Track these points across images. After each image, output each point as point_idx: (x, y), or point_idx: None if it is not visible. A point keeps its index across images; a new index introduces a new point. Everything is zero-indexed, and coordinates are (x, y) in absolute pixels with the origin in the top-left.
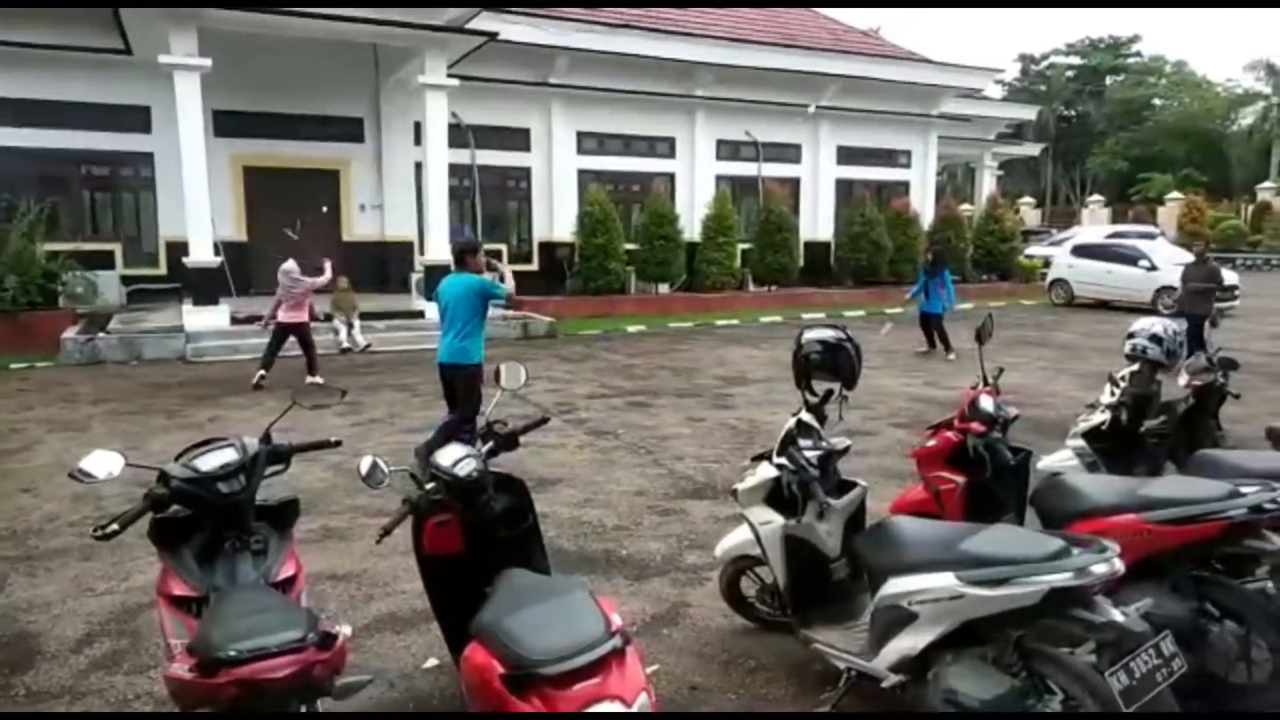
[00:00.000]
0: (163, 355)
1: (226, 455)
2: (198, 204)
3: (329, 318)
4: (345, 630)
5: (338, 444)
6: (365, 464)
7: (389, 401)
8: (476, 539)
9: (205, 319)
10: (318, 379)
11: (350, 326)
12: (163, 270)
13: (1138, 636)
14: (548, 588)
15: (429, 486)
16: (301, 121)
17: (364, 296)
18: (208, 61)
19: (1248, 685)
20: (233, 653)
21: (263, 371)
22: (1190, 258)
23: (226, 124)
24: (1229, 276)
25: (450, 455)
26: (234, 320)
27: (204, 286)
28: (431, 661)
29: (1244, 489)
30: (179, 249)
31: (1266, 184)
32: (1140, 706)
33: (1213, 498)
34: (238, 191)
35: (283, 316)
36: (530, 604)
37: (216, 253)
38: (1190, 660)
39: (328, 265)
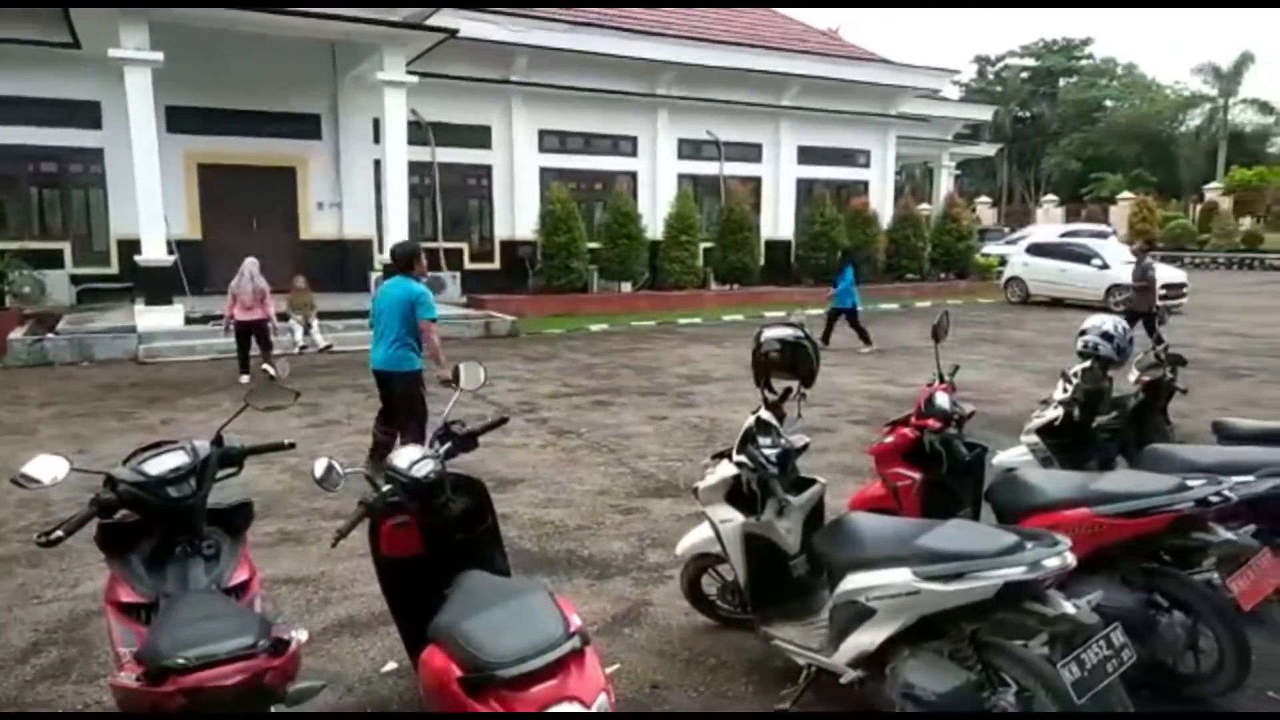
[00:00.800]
0: (114, 356)
1: (176, 458)
2: (150, 201)
3: (285, 318)
4: (301, 635)
5: (291, 446)
6: (320, 466)
7: (347, 402)
8: (435, 541)
9: (158, 319)
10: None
11: (308, 327)
12: (114, 269)
13: (1089, 628)
14: (506, 589)
15: (386, 488)
16: (257, 118)
17: (322, 296)
18: (159, 56)
19: (1195, 674)
20: (181, 661)
21: (245, 377)
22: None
23: (180, 120)
24: (1178, 275)
25: (407, 457)
26: (188, 320)
27: (157, 286)
28: (390, 665)
29: (1190, 482)
30: (131, 247)
31: (1213, 184)
32: (1091, 697)
33: (1160, 491)
34: (192, 189)
35: (240, 315)
36: (488, 606)
37: (170, 251)
38: (1140, 650)
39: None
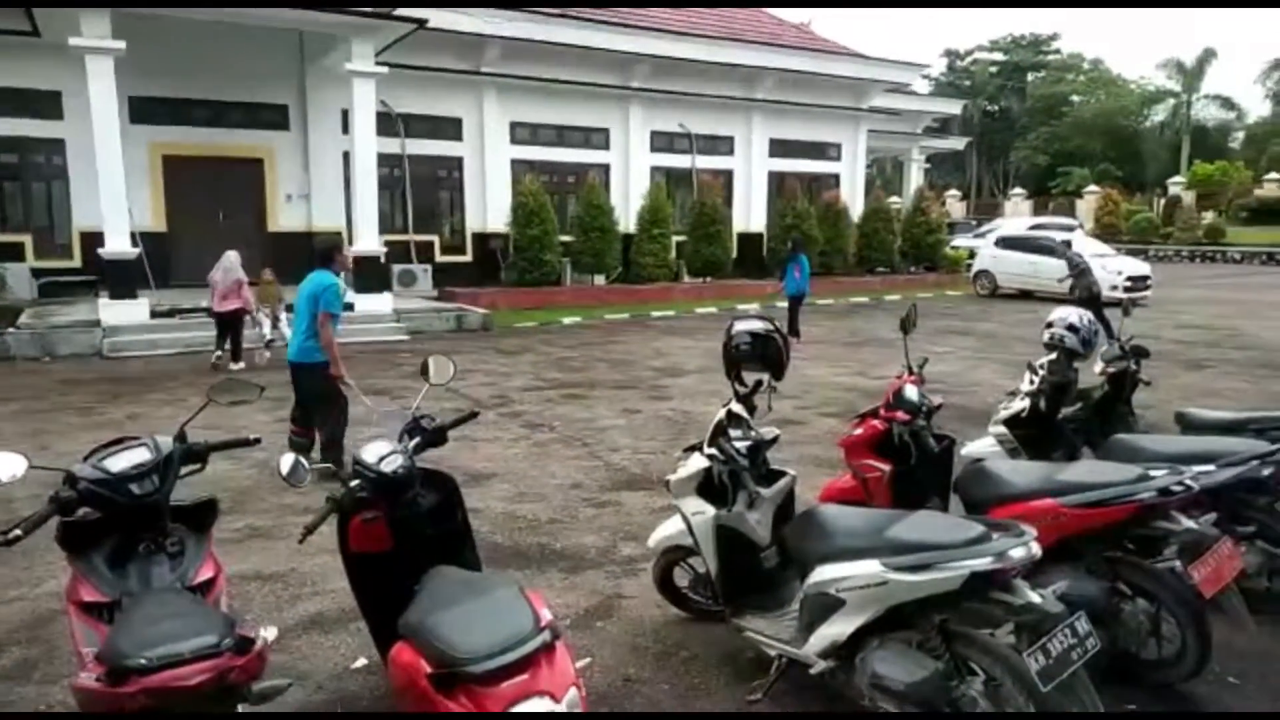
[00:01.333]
0: (78, 351)
1: (138, 455)
2: (113, 193)
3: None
4: (269, 633)
5: (256, 441)
6: (287, 462)
7: None
8: (404, 536)
9: (123, 313)
10: (238, 366)
11: (276, 320)
12: (77, 262)
13: (1054, 617)
14: (476, 584)
15: (354, 484)
16: (223, 108)
17: (291, 289)
18: (121, 45)
19: (1158, 660)
20: (143, 661)
21: (240, 364)
22: (1107, 249)
23: (143, 110)
24: (1142, 268)
25: (375, 451)
26: (154, 314)
27: (121, 279)
28: (360, 661)
29: (1153, 473)
30: (94, 240)
31: (1177, 179)
32: (1056, 684)
33: (1124, 481)
34: (156, 180)
35: (216, 306)
36: (458, 601)
37: (134, 244)
38: (1104, 637)
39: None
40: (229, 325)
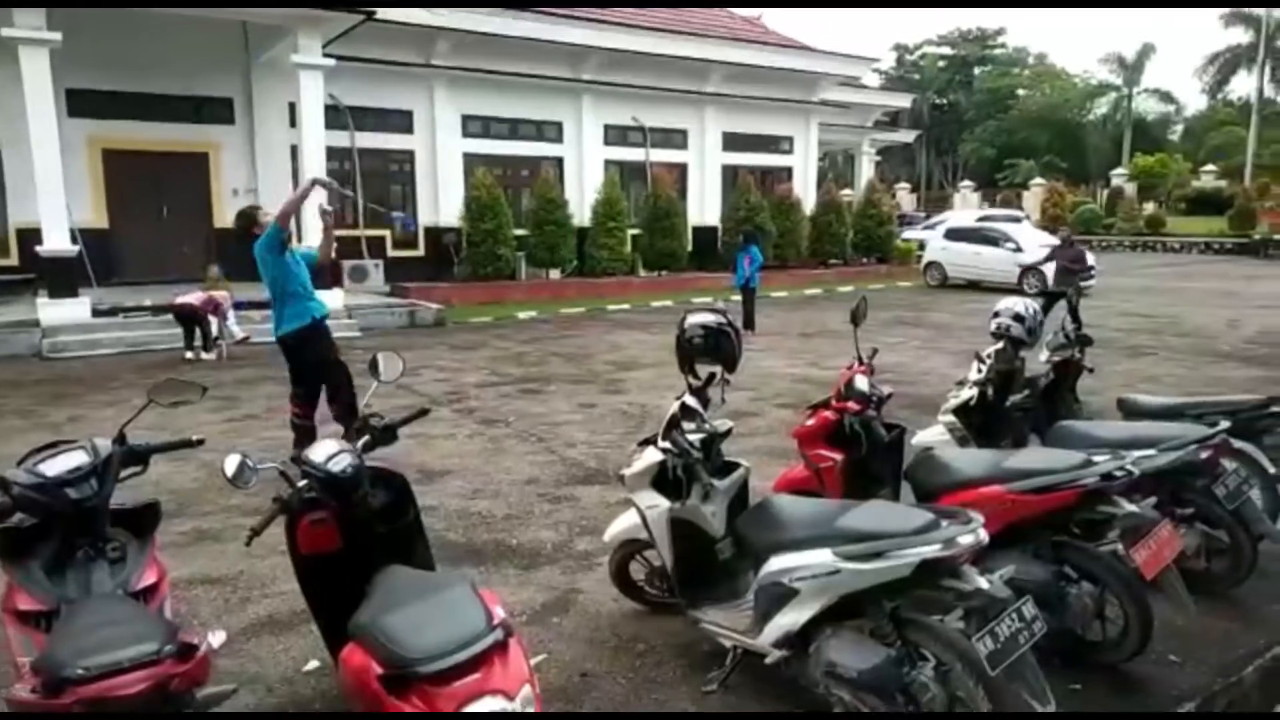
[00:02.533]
0: (16, 352)
1: (76, 458)
2: (51, 189)
3: None
4: (217, 638)
5: (200, 442)
6: (232, 463)
7: (267, 395)
8: (354, 536)
9: (63, 312)
10: (211, 355)
11: (224, 317)
12: (14, 260)
13: (1002, 602)
14: (427, 583)
15: (301, 484)
16: (165, 101)
17: (238, 286)
18: (57, 36)
19: (1102, 641)
20: (80, 671)
21: (210, 355)
22: (1055, 240)
23: (82, 103)
24: (1087, 258)
25: (323, 450)
26: (95, 313)
27: (61, 277)
28: (312, 664)
29: (1096, 458)
30: (32, 237)
31: (1119, 171)
32: (1004, 668)
33: (1068, 467)
34: (97, 175)
35: (180, 299)
36: (409, 601)
37: (74, 240)
38: (1050, 620)
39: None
40: (192, 320)
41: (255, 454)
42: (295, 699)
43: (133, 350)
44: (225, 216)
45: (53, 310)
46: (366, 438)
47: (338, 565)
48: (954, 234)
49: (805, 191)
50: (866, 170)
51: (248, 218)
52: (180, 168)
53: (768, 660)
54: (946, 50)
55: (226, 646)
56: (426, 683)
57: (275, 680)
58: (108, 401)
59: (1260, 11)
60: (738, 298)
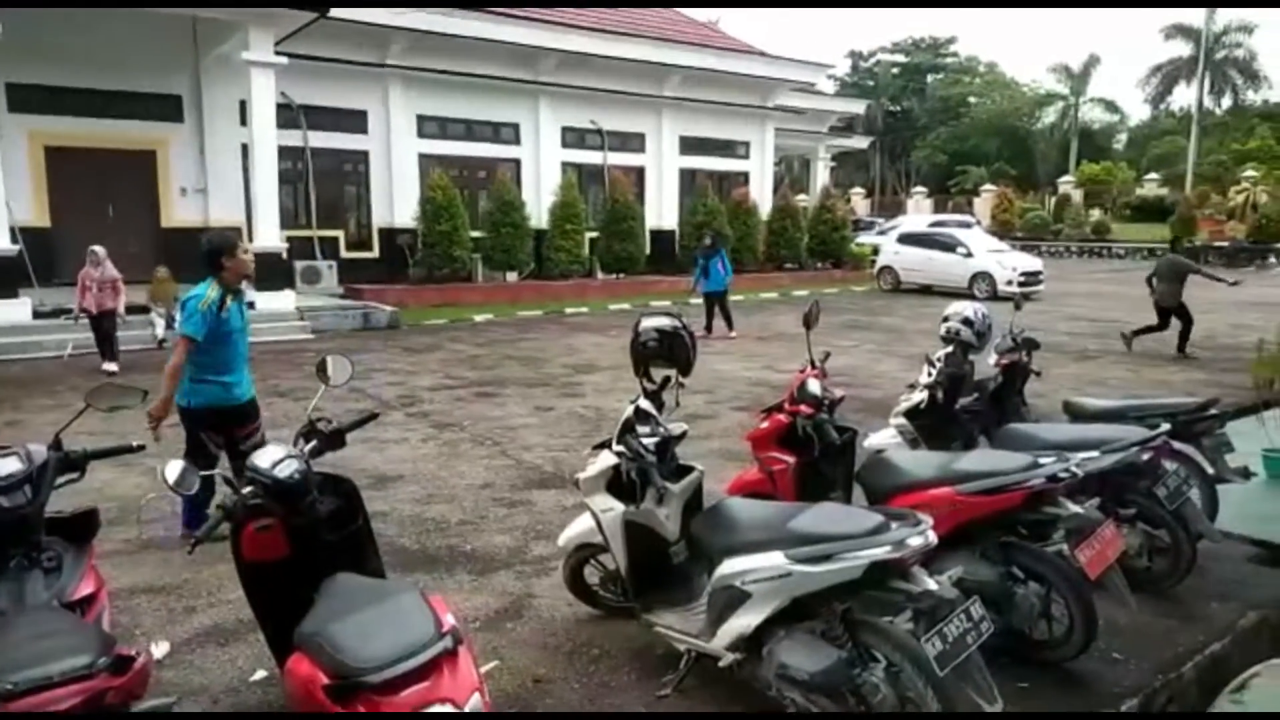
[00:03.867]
0: None
1: (8, 465)
2: None
3: (145, 310)
4: (160, 649)
5: (141, 448)
6: (174, 469)
7: None
8: (301, 543)
9: (2, 313)
10: (112, 367)
11: (171, 319)
12: None
13: (950, 603)
14: (374, 591)
15: (246, 490)
16: (111, 98)
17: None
18: None
19: (1049, 639)
20: (8, 686)
21: (114, 364)
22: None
23: (23, 99)
24: (1035, 263)
25: (269, 456)
26: (36, 314)
27: (0, 277)
28: (259, 674)
29: (1042, 460)
30: None
31: (1066, 178)
32: (952, 668)
33: (1015, 469)
34: (38, 173)
35: (96, 306)
36: (355, 609)
37: (14, 240)
38: (998, 620)
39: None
40: (107, 324)
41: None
42: (241, 710)
43: (76, 353)
44: (173, 215)
45: None
46: (314, 443)
47: (284, 573)
48: (907, 239)
49: (761, 196)
50: (822, 175)
51: (222, 246)
52: (126, 166)
53: (721, 663)
54: (900, 57)
55: (170, 657)
56: (373, 692)
57: (220, 691)
58: (49, 406)
59: (1200, 25)
60: (698, 301)
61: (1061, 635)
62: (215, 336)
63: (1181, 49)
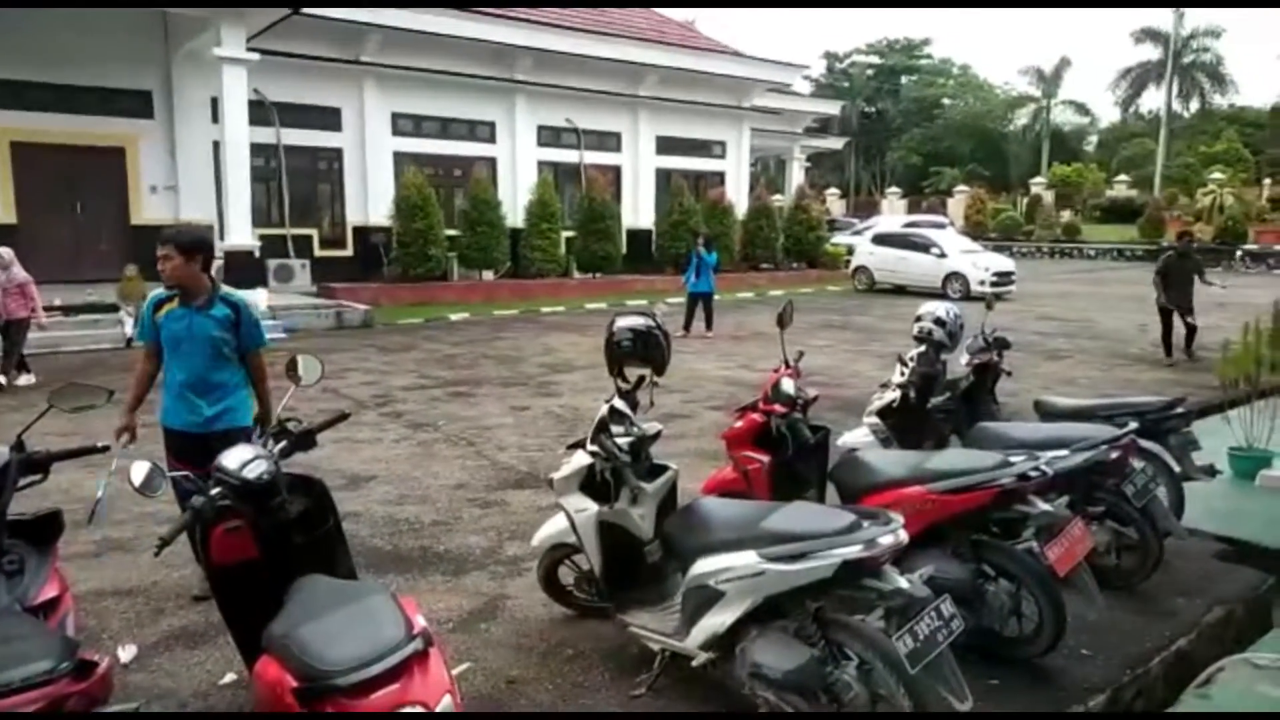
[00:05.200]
0: None
1: None
2: None
3: (115, 308)
4: (127, 653)
5: (105, 449)
6: (140, 470)
7: None
8: (271, 545)
9: None
10: (25, 380)
11: (138, 319)
12: None
13: (921, 601)
14: (344, 593)
15: (214, 491)
16: (80, 94)
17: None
18: None
19: (1018, 636)
20: None
21: (29, 377)
22: (975, 246)
23: None
24: (1007, 263)
25: (237, 456)
26: None
27: None
28: (229, 677)
29: (1012, 459)
30: None
31: (1038, 179)
32: (924, 665)
33: (985, 468)
34: (4, 169)
35: (7, 313)
36: (325, 611)
37: None
38: (969, 618)
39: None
40: (15, 332)
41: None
42: (209, 711)
43: (40, 352)
44: (143, 213)
45: None
46: (284, 443)
47: (254, 575)
48: (881, 239)
49: (737, 196)
50: (797, 176)
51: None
52: (95, 162)
53: (695, 663)
54: (875, 59)
55: (138, 661)
56: (343, 695)
57: (189, 695)
58: (13, 406)
59: (1169, 29)
60: (681, 299)
61: (1031, 632)
62: (164, 343)
63: (1151, 53)
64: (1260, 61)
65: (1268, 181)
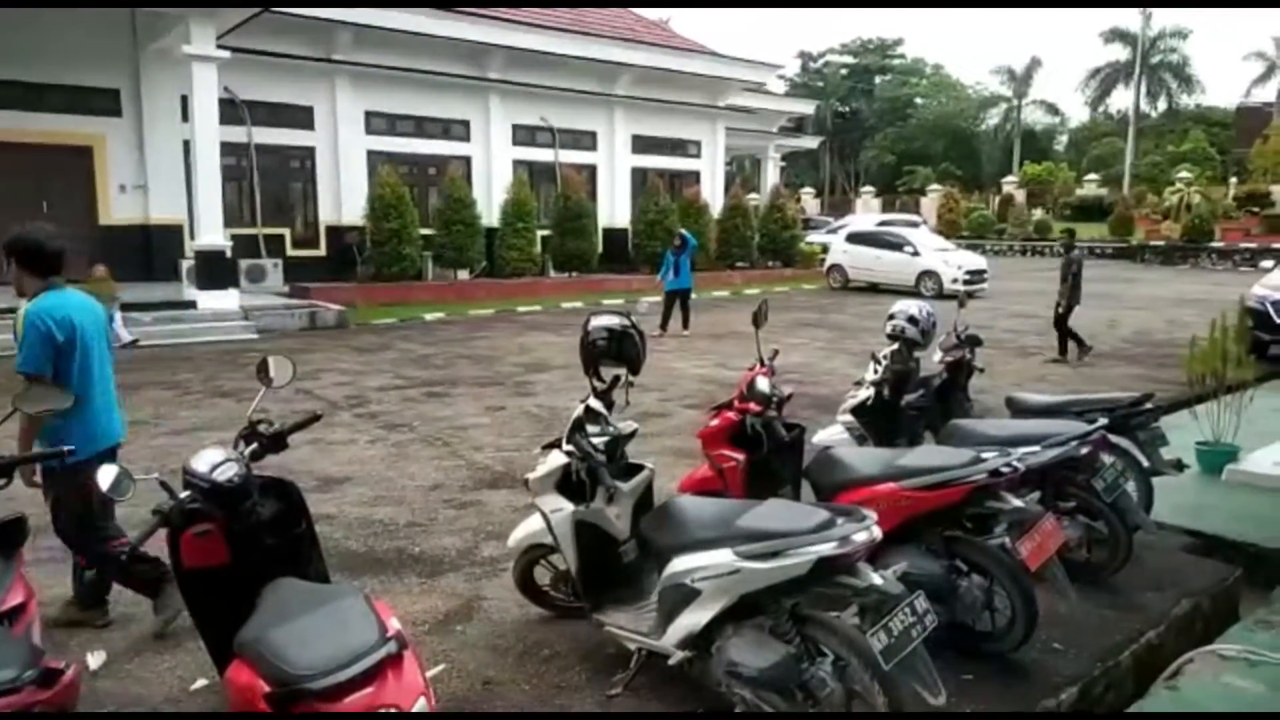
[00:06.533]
0: None
1: None
2: None
3: None
4: (96, 659)
5: (70, 452)
6: (107, 474)
7: (155, 401)
8: (242, 548)
9: None
10: None
11: (110, 319)
12: None
13: (895, 598)
14: (317, 596)
15: (184, 495)
16: (44, 91)
17: (126, 286)
18: None
19: (991, 631)
20: None
21: None
22: (949, 244)
23: None
24: (979, 261)
25: (207, 459)
26: None
27: None
28: (200, 682)
29: (985, 455)
30: None
31: (1010, 178)
32: (898, 661)
33: (958, 465)
34: None
35: None
36: (297, 615)
37: None
38: (942, 613)
39: None
40: None
41: (141, 463)
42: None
43: (7, 355)
44: (112, 213)
45: None
46: (255, 445)
47: (225, 579)
48: (855, 238)
49: (713, 195)
50: (772, 175)
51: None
52: (62, 161)
53: (671, 661)
54: (849, 59)
55: (107, 667)
56: (315, 699)
57: (160, 701)
58: None
59: (1136, 30)
60: (657, 298)
61: (1004, 627)
62: None
63: (1120, 53)
64: (1226, 62)
65: (1234, 180)
